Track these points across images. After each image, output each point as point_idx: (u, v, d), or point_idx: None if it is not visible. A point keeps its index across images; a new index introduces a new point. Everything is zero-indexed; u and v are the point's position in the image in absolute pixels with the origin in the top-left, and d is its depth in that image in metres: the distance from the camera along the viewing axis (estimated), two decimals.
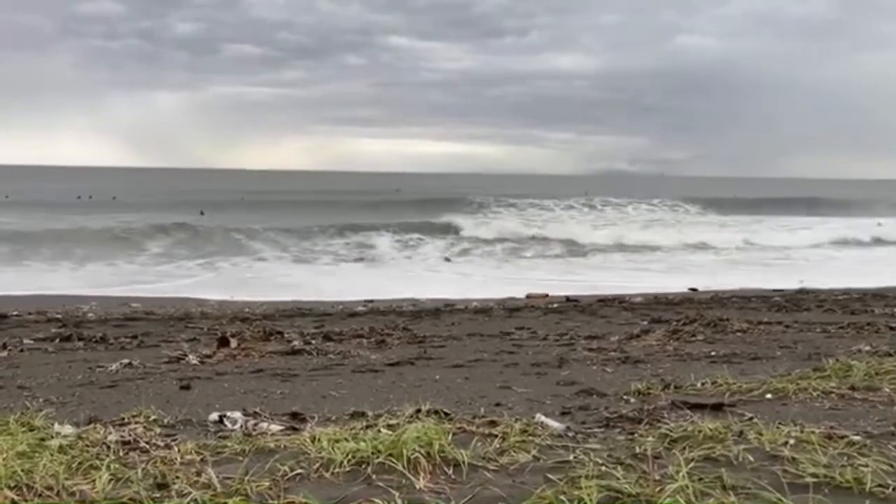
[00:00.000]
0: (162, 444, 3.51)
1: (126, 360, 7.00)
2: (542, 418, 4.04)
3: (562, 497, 2.84)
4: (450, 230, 28.51)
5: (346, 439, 3.39)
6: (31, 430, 3.66)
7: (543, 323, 10.22)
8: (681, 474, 2.97)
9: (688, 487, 2.86)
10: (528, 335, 9.04)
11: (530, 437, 3.57)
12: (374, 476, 3.04)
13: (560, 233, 28.80)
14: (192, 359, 7.21)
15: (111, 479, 2.97)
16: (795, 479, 3.03)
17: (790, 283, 15.40)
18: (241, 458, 3.27)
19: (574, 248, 25.84)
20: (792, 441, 3.46)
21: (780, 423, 3.73)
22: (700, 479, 2.95)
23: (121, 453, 3.33)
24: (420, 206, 38.27)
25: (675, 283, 16.00)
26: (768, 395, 4.75)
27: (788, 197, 53.78)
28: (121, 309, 11.54)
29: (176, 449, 3.36)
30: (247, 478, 2.97)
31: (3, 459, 3.04)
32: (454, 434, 3.52)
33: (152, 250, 22.68)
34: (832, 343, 7.88)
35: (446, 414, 4.10)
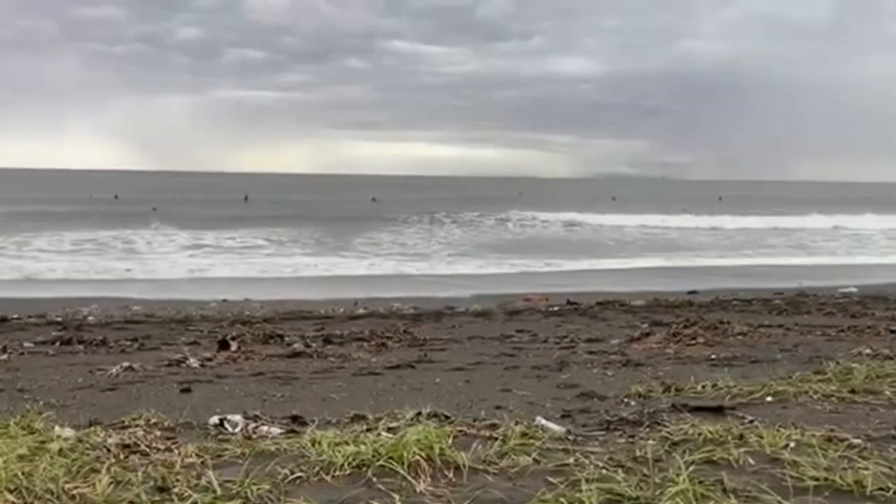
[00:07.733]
0: (162, 447, 3.50)
1: (126, 364, 6.99)
2: (543, 421, 4.03)
3: (562, 500, 2.83)
4: None
5: (346, 442, 3.39)
6: (31, 433, 3.65)
7: (544, 326, 10.20)
8: (681, 477, 2.97)
9: (688, 490, 2.86)
10: (528, 338, 9.03)
11: (531, 441, 3.56)
12: (374, 479, 3.04)
13: None
14: (193, 362, 7.21)
15: (111, 483, 2.97)
16: (796, 482, 3.03)
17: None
18: (241, 461, 3.26)
19: None
20: (792, 444, 3.46)
21: (780, 427, 3.73)
22: (701, 482, 2.95)
23: (121, 456, 3.33)
24: None
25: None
26: (769, 399, 4.74)
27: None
28: (121, 312, 11.53)
29: (176, 452, 3.36)
30: (247, 481, 2.96)
31: (4, 462, 3.03)
32: (455, 437, 3.51)
33: None
34: (833, 346, 7.87)
35: (447, 417, 4.10)
